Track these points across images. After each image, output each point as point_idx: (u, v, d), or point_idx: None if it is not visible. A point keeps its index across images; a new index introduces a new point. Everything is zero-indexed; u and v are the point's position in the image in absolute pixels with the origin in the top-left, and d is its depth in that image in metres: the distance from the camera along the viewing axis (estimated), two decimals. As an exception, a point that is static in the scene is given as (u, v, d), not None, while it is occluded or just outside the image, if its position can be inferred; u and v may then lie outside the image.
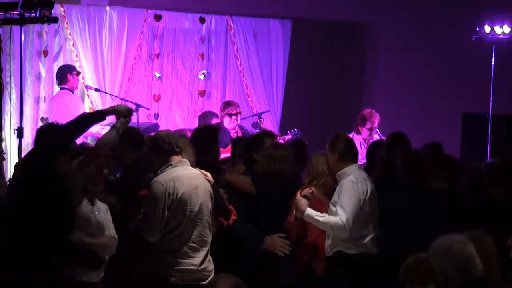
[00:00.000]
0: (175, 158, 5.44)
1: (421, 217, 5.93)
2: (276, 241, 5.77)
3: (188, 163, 5.50)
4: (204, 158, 6.11)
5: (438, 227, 5.63)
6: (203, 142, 6.30)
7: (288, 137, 9.00)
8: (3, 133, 7.62)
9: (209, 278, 5.35)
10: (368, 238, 5.69)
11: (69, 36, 9.51)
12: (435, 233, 4.07)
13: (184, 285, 5.30)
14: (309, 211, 5.62)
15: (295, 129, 9.07)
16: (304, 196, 5.65)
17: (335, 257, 5.69)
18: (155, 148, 5.49)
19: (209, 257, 5.43)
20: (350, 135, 8.56)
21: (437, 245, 3.88)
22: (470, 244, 3.87)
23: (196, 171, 5.51)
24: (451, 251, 3.81)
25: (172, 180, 5.34)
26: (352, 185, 5.63)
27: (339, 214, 5.57)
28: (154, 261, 5.31)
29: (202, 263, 5.35)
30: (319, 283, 5.77)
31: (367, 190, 5.66)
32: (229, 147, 7.51)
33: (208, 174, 5.54)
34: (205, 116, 9.31)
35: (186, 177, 5.40)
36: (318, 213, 5.63)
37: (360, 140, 8.90)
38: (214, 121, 9.12)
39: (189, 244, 5.32)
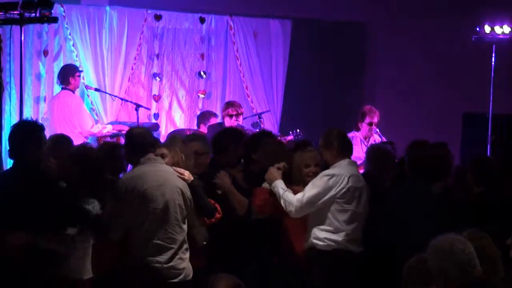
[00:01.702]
0: (147, 156, 5.45)
1: (424, 218, 5.91)
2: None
3: (160, 161, 5.50)
4: (220, 158, 6.25)
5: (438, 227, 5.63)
6: (218, 142, 6.43)
7: (290, 137, 9.00)
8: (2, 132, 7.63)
9: (181, 276, 5.34)
10: (344, 235, 5.65)
11: (69, 36, 9.51)
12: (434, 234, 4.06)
13: (149, 282, 5.28)
14: (280, 182, 5.72)
15: (297, 130, 9.08)
16: (278, 169, 5.78)
17: (309, 253, 5.71)
18: (129, 145, 5.54)
19: (182, 255, 5.38)
20: (351, 134, 8.60)
21: (437, 245, 3.87)
22: (470, 244, 3.86)
23: (167, 169, 5.49)
24: (452, 251, 3.80)
25: (136, 177, 5.36)
26: (323, 177, 5.67)
27: (299, 195, 5.65)
28: (122, 259, 5.31)
29: (169, 261, 5.30)
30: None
31: (340, 187, 5.64)
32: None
33: (185, 172, 5.52)
34: (204, 116, 9.33)
35: (152, 174, 5.38)
36: (284, 187, 5.71)
37: (360, 138, 8.89)
38: (213, 120, 9.13)
39: (154, 241, 5.30)
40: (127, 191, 5.32)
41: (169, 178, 5.44)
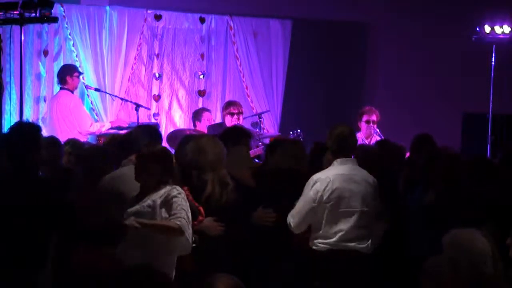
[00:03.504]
0: (129, 157, 5.42)
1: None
2: (260, 212, 5.82)
3: None
4: None
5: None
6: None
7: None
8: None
9: None
10: (339, 235, 5.59)
11: (69, 36, 9.52)
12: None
13: (127, 285, 5.20)
14: None
15: (298, 130, 9.09)
16: None
17: (310, 256, 5.68)
18: (115, 146, 5.54)
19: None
20: None
21: (456, 239, 3.81)
22: (488, 244, 3.83)
23: None
24: (471, 249, 3.76)
25: (116, 178, 5.32)
26: (309, 184, 5.62)
27: (292, 210, 5.63)
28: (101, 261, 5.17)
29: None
30: None
31: (325, 190, 5.56)
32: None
33: None
34: (197, 113, 9.37)
35: (130, 177, 5.27)
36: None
37: (362, 138, 8.90)
38: (205, 115, 9.13)
39: (132, 244, 5.16)
40: (106, 191, 5.29)
41: None
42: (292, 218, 5.60)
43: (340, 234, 5.59)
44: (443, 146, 7.25)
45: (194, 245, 5.61)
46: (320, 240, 5.61)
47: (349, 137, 5.80)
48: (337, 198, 5.58)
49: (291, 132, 9.08)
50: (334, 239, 5.58)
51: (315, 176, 5.63)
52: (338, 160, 5.70)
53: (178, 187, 5.11)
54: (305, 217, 5.59)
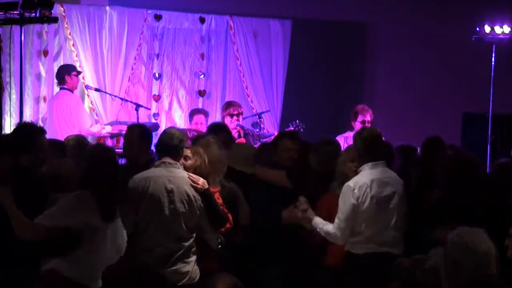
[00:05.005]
0: (162, 159, 5.41)
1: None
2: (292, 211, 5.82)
3: (176, 165, 5.38)
4: None
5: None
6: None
7: (290, 129, 9.04)
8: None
9: (184, 280, 5.28)
10: (377, 238, 5.61)
11: (69, 36, 9.52)
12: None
13: (151, 286, 5.23)
14: (316, 219, 5.71)
15: (297, 121, 9.10)
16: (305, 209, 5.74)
17: (346, 257, 5.70)
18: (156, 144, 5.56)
19: (186, 259, 5.31)
20: (345, 135, 8.67)
21: (462, 239, 3.79)
22: (493, 246, 3.82)
23: (181, 175, 5.37)
24: (475, 251, 3.75)
25: (146, 179, 5.28)
26: (347, 191, 5.59)
27: (335, 222, 5.61)
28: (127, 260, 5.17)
29: (173, 265, 5.25)
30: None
31: (365, 195, 5.56)
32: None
33: (200, 180, 5.37)
34: (190, 115, 9.35)
35: (163, 179, 5.30)
36: (322, 221, 5.69)
37: None
38: (196, 118, 9.12)
39: (159, 246, 5.25)
40: (134, 191, 5.28)
41: (180, 185, 5.32)
42: (338, 230, 5.57)
43: (378, 237, 5.60)
44: (450, 144, 7.27)
45: (220, 246, 5.61)
46: (359, 245, 5.62)
47: (378, 139, 5.82)
48: (375, 203, 5.59)
49: (290, 124, 9.11)
50: (371, 244, 5.60)
51: (351, 183, 5.60)
52: (369, 164, 5.67)
53: None
54: (350, 224, 5.58)
